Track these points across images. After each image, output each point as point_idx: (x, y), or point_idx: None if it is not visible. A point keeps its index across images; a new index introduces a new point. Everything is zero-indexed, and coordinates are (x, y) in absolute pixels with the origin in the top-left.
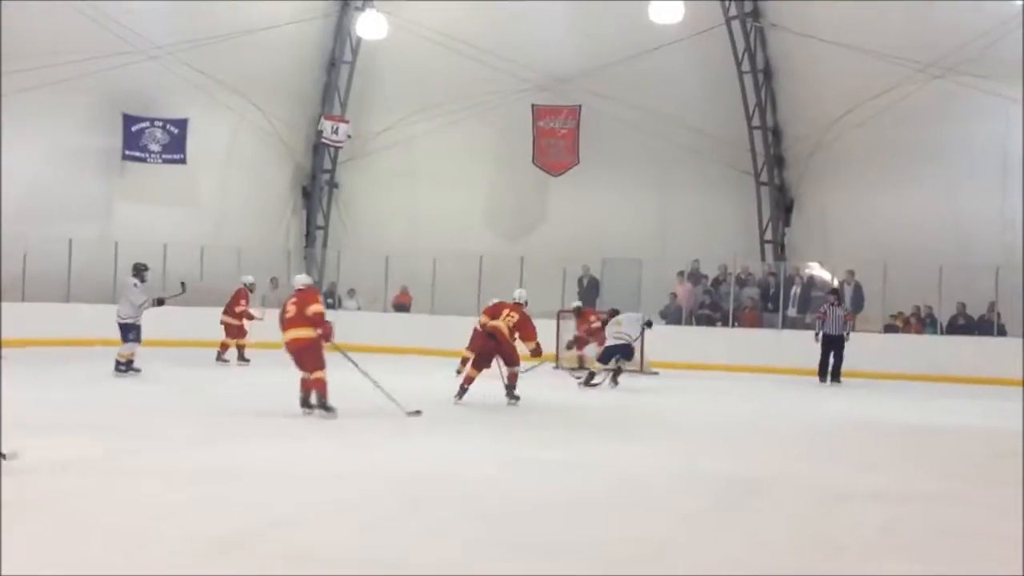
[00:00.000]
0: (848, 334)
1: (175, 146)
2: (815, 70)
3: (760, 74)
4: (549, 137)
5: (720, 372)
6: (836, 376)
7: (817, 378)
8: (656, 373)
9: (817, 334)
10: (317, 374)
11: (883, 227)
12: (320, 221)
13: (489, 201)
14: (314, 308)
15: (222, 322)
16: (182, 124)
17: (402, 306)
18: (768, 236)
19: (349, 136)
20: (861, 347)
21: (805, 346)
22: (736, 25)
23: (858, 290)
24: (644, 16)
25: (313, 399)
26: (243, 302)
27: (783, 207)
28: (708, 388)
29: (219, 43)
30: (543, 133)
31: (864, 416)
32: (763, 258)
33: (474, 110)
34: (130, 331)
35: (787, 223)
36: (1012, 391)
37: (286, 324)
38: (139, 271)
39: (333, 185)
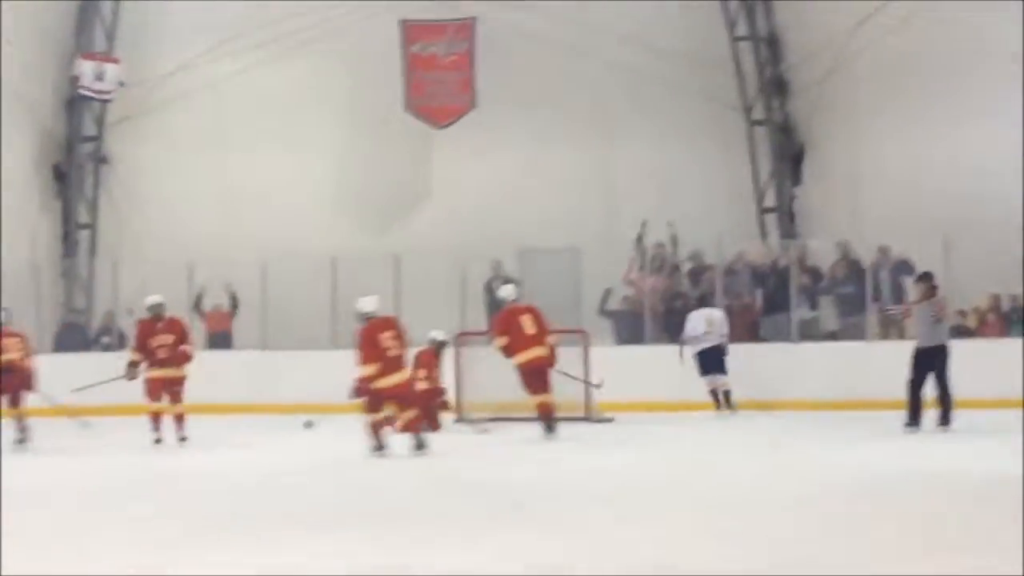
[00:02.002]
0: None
1: None
2: None
3: None
4: (428, 69)
5: (709, 411)
6: (944, 415)
7: (907, 416)
8: (610, 419)
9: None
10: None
11: (940, 180)
12: (83, 217)
13: (341, 173)
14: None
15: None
16: None
17: (220, 336)
18: (769, 202)
19: (121, 83)
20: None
21: (825, 363)
22: None
23: (902, 271)
24: None
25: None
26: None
27: (789, 157)
28: (695, 440)
29: None
30: (419, 63)
31: (948, 472)
32: (763, 235)
33: (311, 34)
34: None
35: (796, 181)
36: None
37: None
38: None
39: (100, 160)
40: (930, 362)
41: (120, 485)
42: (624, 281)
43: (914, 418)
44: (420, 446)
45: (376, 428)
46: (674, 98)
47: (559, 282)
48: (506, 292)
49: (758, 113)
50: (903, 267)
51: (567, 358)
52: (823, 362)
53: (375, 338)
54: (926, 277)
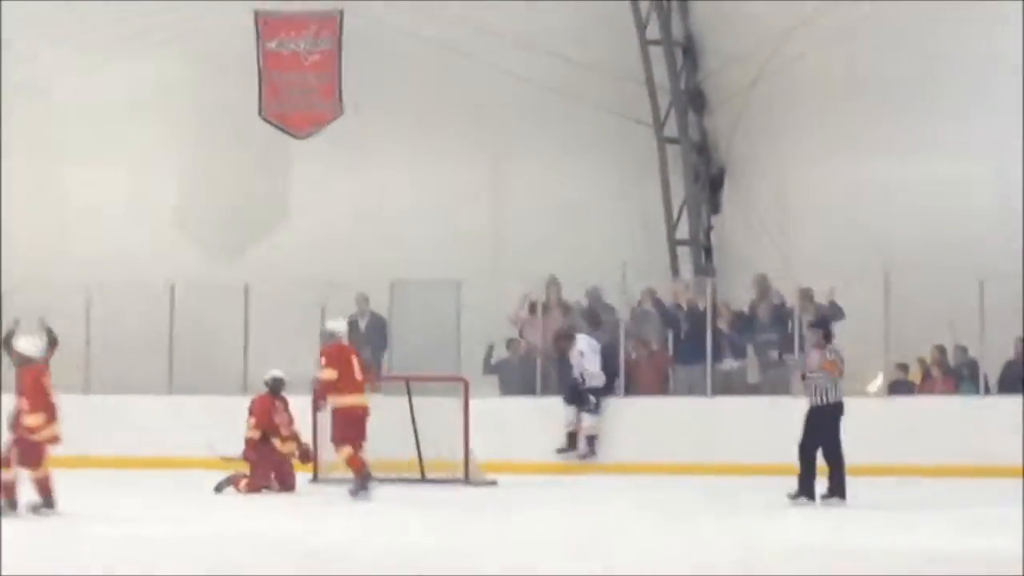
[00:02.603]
0: (837, 399)
1: None
2: None
3: None
4: (287, 70)
5: (614, 475)
6: (836, 486)
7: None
8: (493, 482)
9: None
10: None
11: (881, 212)
12: None
13: (186, 188)
14: None
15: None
16: None
17: None
18: (682, 233)
19: None
20: (852, 421)
21: (748, 418)
22: None
23: (833, 316)
24: None
25: None
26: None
27: (706, 181)
28: (592, 510)
29: None
30: (276, 62)
31: (865, 548)
32: (675, 270)
33: (156, 32)
34: None
35: (714, 208)
36: None
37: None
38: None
39: None
40: (823, 423)
41: None
42: (512, 321)
43: (805, 488)
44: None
45: None
46: (574, 110)
47: (435, 320)
48: (337, 327)
49: (671, 129)
50: (833, 312)
51: (446, 408)
52: (741, 419)
53: None
54: (821, 324)
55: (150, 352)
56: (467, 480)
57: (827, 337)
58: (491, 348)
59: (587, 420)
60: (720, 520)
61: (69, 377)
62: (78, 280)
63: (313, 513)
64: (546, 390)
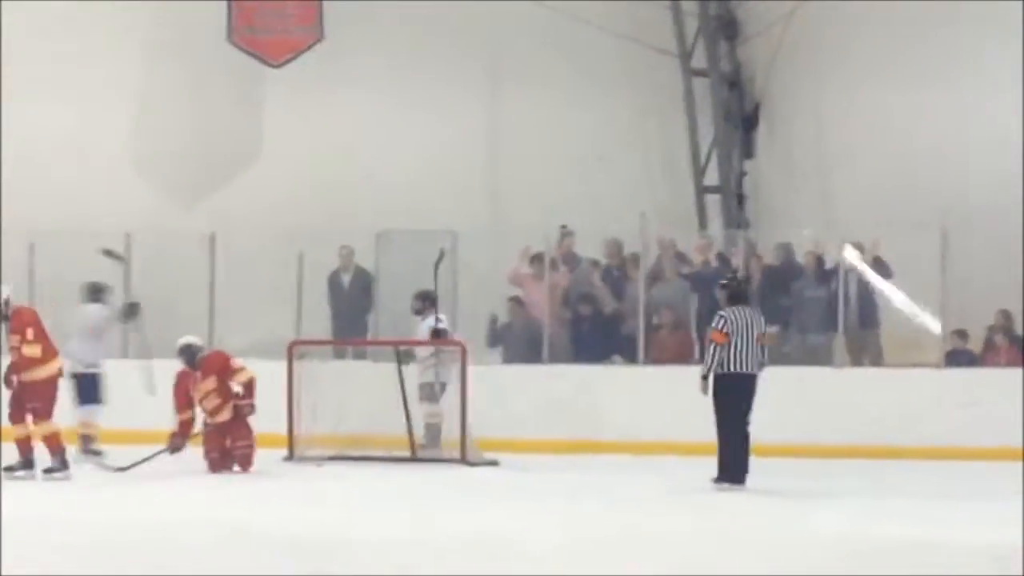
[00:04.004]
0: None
1: None
2: None
3: None
4: None
5: (620, 456)
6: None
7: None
8: (494, 462)
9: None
10: None
11: (938, 154)
12: None
13: (143, 123)
14: None
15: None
16: None
17: None
18: (711, 180)
19: None
20: (904, 395)
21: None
22: None
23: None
24: None
25: None
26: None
27: (739, 120)
28: (609, 495)
29: None
30: None
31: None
32: (702, 222)
33: None
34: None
35: (747, 152)
36: None
37: None
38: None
39: None
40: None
41: None
42: (511, 280)
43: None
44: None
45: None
46: (587, 35)
47: (427, 276)
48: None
49: (699, 61)
50: (880, 269)
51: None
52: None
53: None
54: (730, 284)
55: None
56: (464, 460)
57: (733, 299)
58: (495, 318)
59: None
60: (746, 505)
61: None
62: (17, 228)
63: (288, 497)
64: (554, 357)
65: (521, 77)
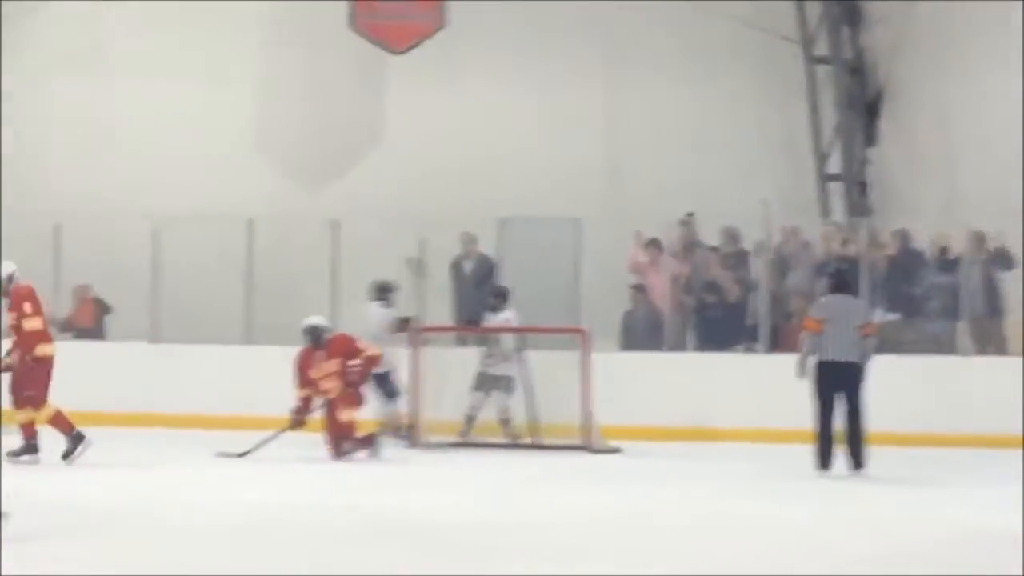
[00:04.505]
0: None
1: None
2: None
3: None
4: None
5: (741, 444)
6: (854, 452)
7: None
8: (616, 450)
9: (803, 361)
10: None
11: None
12: None
13: (265, 109)
14: None
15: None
16: None
17: (88, 330)
18: (834, 167)
19: None
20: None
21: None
22: None
23: (998, 264)
24: None
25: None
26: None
27: (861, 107)
28: (725, 479)
29: None
30: None
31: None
32: (825, 211)
33: None
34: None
35: (870, 139)
36: None
37: None
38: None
39: None
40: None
41: None
42: (630, 268)
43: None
44: None
45: None
46: (707, 22)
47: (550, 264)
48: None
49: (821, 47)
50: (1001, 260)
51: (560, 363)
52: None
53: None
54: (833, 273)
55: (225, 296)
56: (587, 447)
57: (834, 288)
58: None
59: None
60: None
61: (133, 324)
62: (139, 214)
63: (412, 483)
64: (675, 345)
65: (641, 63)
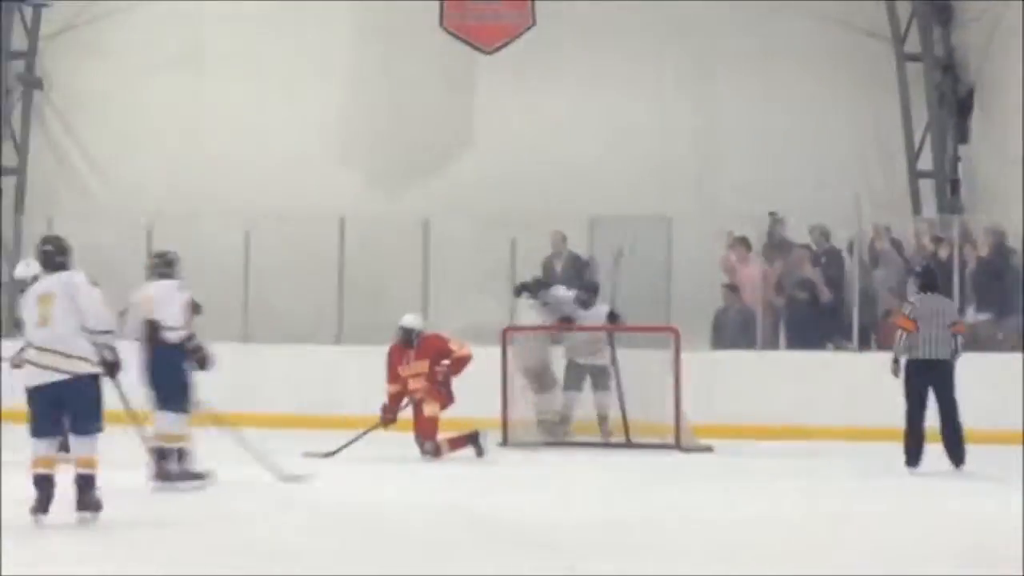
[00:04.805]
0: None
1: None
2: None
3: None
4: None
5: (834, 442)
6: (952, 450)
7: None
8: (708, 448)
9: (897, 359)
10: None
11: None
12: (8, 158)
13: (354, 108)
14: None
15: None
16: None
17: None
18: (925, 164)
19: None
20: None
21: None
22: None
23: None
24: None
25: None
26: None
27: (953, 104)
28: (818, 477)
29: None
30: None
31: None
32: (916, 208)
33: None
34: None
35: (962, 137)
36: None
37: None
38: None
39: (33, 84)
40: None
41: None
42: (723, 267)
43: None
44: None
45: None
46: (796, 20)
47: (641, 262)
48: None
49: (912, 45)
50: None
51: (652, 362)
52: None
53: None
54: (922, 272)
55: (315, 296)
56: (679, 446)
57: (923, 287)
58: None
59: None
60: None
61: (224, 324)
62: (230, 214)
63: (504, 482)
64: (766, 343)
65: (731, 61)
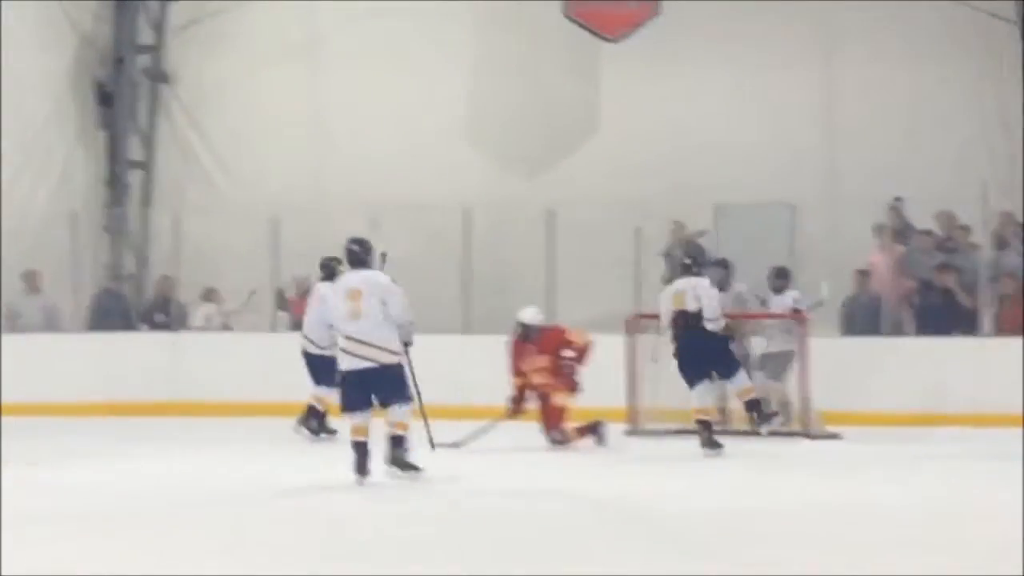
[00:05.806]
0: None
1: None
2: None
3: None
4: None
5: (964, 428)
6: None
7: None
8: (836, 435)
9: None
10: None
11: None
12: (135, 152)
13: (477, 98)
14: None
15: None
16: None
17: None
18: None
19: None
20: None
21: None
22: None
23: None
24: None
25: None
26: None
27: None
28: (946, 464)
29: None
30: None
31: None
32: None
33: None
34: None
35: None
36: None
37: None
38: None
39: (159, 78)
40: None
41: None
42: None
43: None
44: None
45: None
46: (923, 5)
47: (766, 249)
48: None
49: None
50: None
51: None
52: None
53: None
54: None
55: (441, 285)
56: (807, 433)
57: None
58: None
59: None
60: None
61: None
62: (355, 204)
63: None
64: (894, 330)
65: (855, 46)
